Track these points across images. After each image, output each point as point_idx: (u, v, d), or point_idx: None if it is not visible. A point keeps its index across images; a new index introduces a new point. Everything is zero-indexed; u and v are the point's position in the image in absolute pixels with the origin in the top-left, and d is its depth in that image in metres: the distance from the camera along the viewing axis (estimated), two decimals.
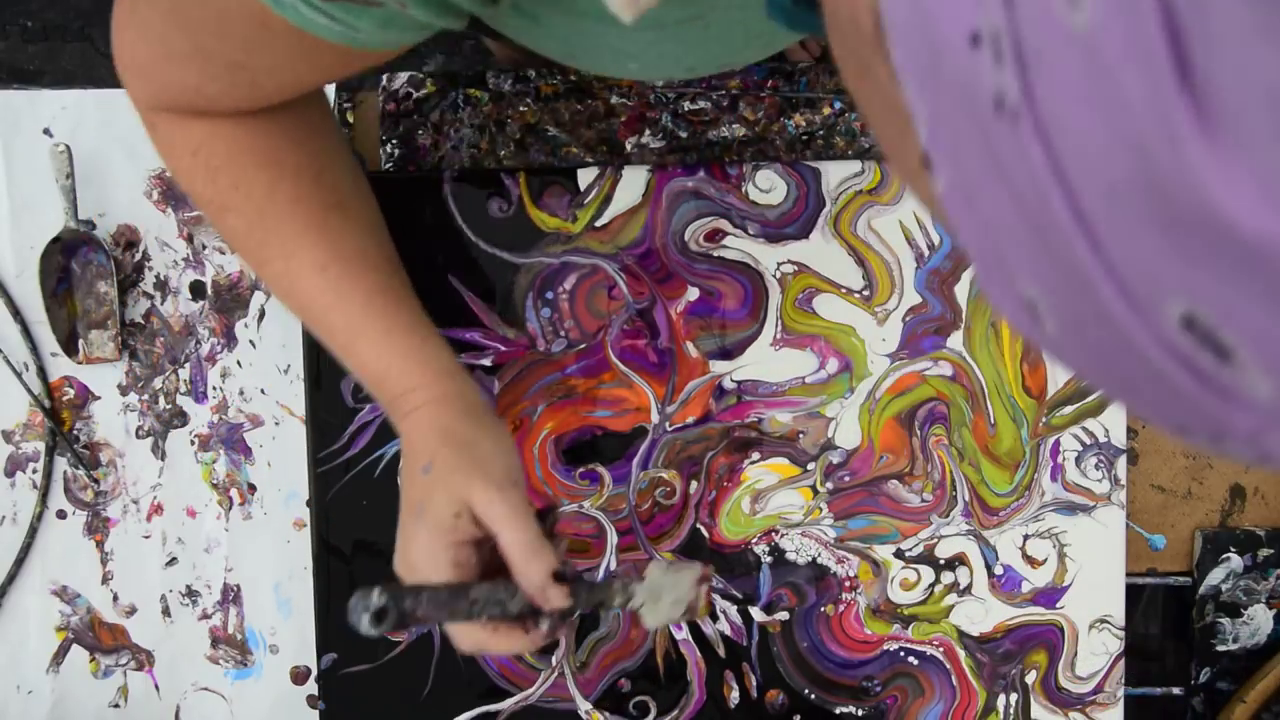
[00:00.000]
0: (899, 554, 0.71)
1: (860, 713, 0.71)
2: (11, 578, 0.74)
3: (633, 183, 0.70)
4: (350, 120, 0.76)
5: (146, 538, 0.75)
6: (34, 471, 0.75)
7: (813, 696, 0.71)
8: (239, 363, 0.74)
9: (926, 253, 0.70)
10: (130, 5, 0.53)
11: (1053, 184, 0.19)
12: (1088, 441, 0.71)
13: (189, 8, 0.48)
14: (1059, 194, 0.19)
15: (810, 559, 0.71)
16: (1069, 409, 0.70)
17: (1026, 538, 0.71)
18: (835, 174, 0.70)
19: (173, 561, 0.75)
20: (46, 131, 0.74)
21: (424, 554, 0.51)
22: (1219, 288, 0.18)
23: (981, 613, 0.71)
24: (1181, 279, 0.18)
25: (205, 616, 0.75)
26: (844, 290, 0.71)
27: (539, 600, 0.50)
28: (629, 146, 0.74)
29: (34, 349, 0.74)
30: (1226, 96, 0.16)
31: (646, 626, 0.54)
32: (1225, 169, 0.17)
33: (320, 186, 0.57)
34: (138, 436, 0.75)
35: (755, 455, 0.71)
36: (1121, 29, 0.17)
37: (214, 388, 0.74)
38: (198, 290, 0.74)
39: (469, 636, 0.52)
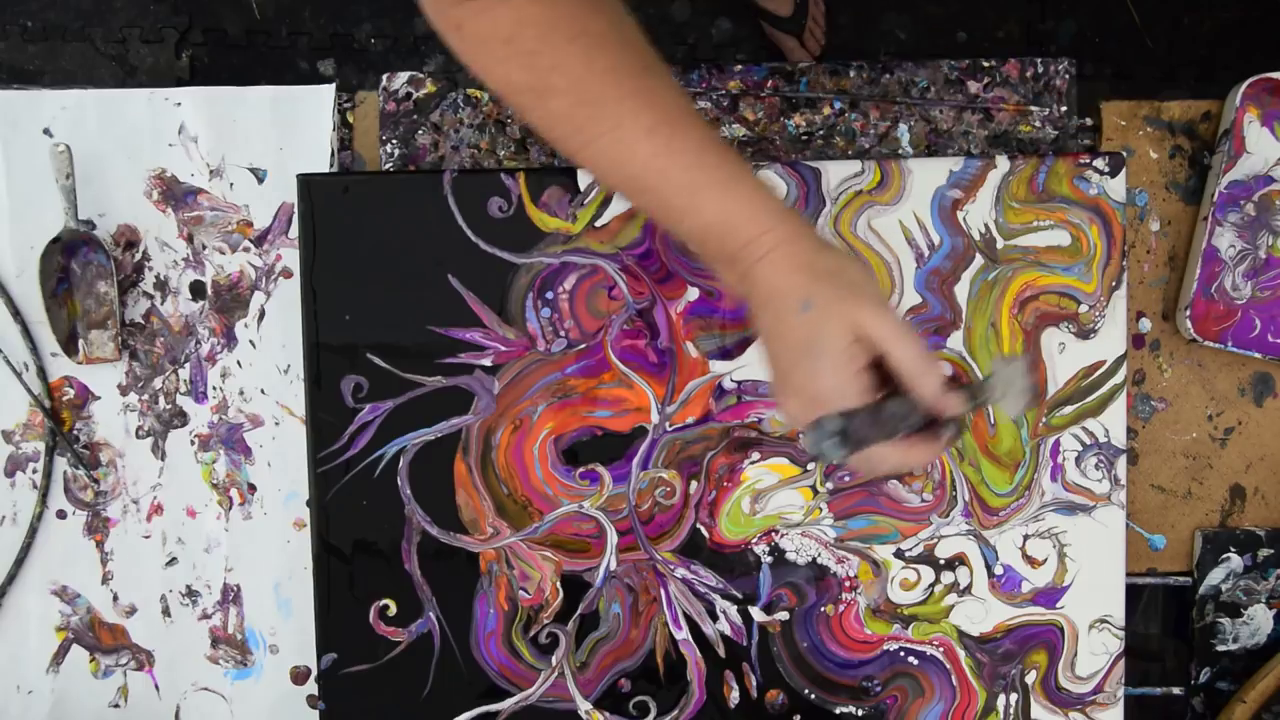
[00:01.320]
0: (899, 554, 0.71)
1: (860, 713, 0.71)
2: (11, 578, 0.74)
3: None
4: (350, 120, 0.76)
5: (146, 538, 0.75)
6: (34, 471, 0.75)
7: (813, 696, 0.71)
8: (239, 363, 0.74)
9: (926, 253, 0.70)
10: None
11: None
12: (1088, 441, 0.71)
13: None
14: None
15: (810, 559, 0.71)
16: (1069, 409, 0.70)
17: (1026, 538, 0.71)
18: (835, 174, 0.70)
19: (173, 561, 0.75)
20: (46, 131, 0.74)
21: (831, 385, 0.52)
22: None
23: (981, 613, 0.71)
24: None
25: (205, 616, 0.75)
26: None
27: (939, 408, 0.52)
28: None
29: (34, 349, 0.74)
30: None
31: (1011, 415, 0.59)
32: None
33: (628, 49, 0.56)
34: (138, 436, 0.75)
35: (755, 455, 0.71)
36: None
37: (214, 388, 0.74)
38: (198, 290, 0.74)
39: (890, 456, 0.53)
